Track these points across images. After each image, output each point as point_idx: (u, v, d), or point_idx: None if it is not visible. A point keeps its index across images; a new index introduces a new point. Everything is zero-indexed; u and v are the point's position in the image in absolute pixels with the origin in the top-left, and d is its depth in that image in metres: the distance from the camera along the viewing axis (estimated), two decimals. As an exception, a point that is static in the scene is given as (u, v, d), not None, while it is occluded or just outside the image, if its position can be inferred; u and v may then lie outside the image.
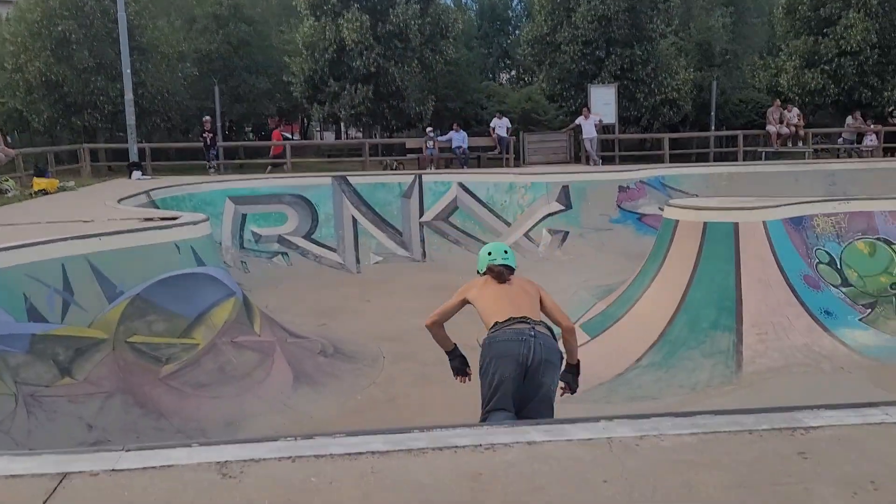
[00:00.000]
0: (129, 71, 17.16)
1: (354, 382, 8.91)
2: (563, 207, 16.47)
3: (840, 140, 23.15)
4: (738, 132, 22.44)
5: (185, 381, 7.89)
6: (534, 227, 16.21)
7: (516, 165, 20.82)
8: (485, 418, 4.36)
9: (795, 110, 21.71)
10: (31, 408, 6.59)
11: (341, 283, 14.67)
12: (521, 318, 4.43)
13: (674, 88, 24.61)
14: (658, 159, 21.69)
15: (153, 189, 13.88)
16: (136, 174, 17.10)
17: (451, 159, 20.33)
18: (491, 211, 16.90)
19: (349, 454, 2.53)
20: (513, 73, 45.59)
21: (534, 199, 16.69)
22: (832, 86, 25.41)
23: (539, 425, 2.75)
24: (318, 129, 41.31)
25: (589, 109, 20.87)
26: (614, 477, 2.33)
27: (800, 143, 21.98)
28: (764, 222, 9.14)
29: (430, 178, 17.51)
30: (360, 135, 32.12)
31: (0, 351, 6.67)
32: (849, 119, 22.98)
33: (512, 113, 25.34)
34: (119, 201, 11.61)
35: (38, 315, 7.14)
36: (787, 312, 8.47)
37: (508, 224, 16.54)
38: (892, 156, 22.69)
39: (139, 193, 13.01)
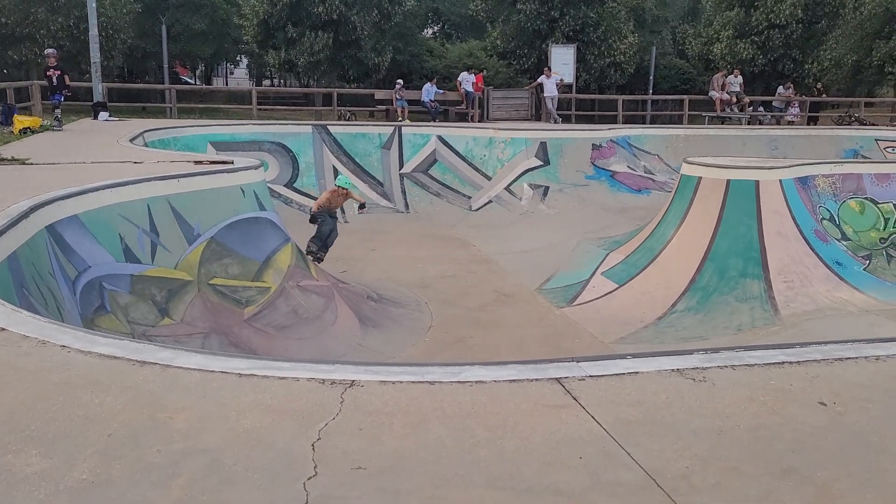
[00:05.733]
0: (94, 4, 16.06)
1: (413, 326, 9.24)
2: (541, 163, 17.05)
3: (761, 108, 24.94)
4: (685, 97, 23.72)
5: (267, 322, 7.99)
6: (514, 181, 16.74)
7: (481, 120, 21.19)
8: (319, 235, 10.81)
9: (739, 78, 23.04)
10: (148, 347, 6.56)
11: (333, 232, 14.70)
12: (335, 210, 10.93)
13: (621, 52, 25.57)
14: (610, 119, 22.65)
15: (146, 131, 13.39)
16: (103, 115, 16.21)
17: (420, 112, 20.45)
18: (470, 164, 17.25)
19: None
20: (436, 28, 45.55)
21: (513, 154, 17.16)
22: (760, 56, 27.23)
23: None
24: (249, 77, 39.95)
25: (550, 69, 21.44)
26: None
27: (735, 109, 23.48)
28: (780, 181, 10.09)
29: (409, 130, 17.63)
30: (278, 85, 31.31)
31: (110, 290, 6.60)
32: (780, 89, 24.71)
33: (455, 69, 25.55)
34: (131, 140, 11.21)
35: (133, 256, 7.05)
36: (806, 262, 9.49)
37: (488, 178, 16.96)
38: (815, 124, 24.69)
39: (138, 135, 12.53)
